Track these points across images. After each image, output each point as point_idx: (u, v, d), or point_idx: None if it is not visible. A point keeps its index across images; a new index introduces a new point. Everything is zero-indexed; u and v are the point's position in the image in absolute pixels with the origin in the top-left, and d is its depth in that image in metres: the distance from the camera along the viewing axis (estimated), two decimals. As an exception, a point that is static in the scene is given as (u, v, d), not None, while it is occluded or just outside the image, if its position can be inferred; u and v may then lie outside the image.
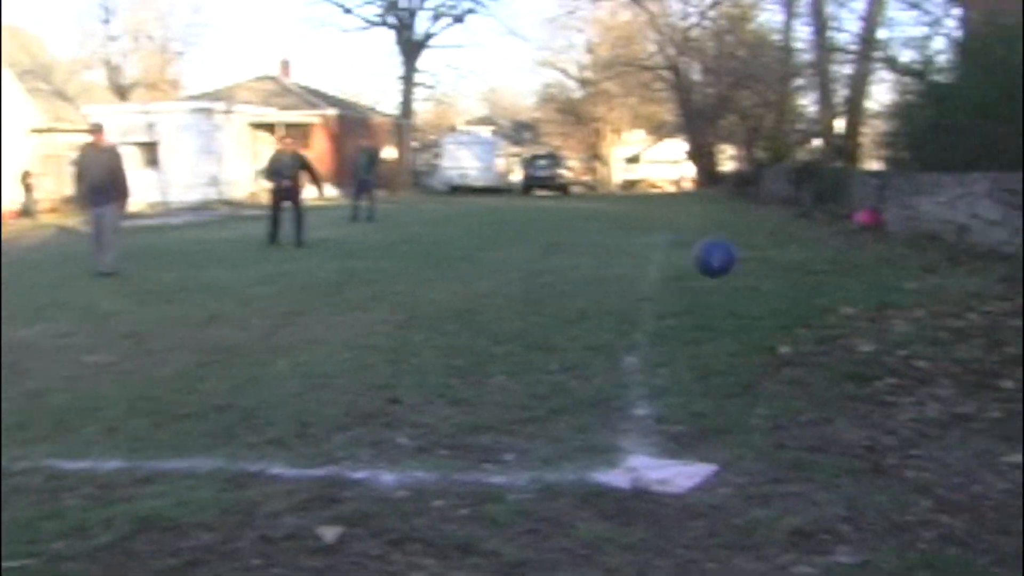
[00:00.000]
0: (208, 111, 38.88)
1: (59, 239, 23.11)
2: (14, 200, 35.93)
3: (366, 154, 27.22)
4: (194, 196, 35.92)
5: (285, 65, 53.95)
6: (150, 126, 35.97)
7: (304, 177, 19.15)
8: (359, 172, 26.49)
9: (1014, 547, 3.85)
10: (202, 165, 37.57)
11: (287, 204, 18.58)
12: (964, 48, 19.56)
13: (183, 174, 36.66)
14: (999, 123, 14.60)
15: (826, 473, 4.71)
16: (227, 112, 39.60)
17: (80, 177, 14.62)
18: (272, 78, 51.56)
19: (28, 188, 36.56)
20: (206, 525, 4.24)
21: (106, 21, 57.54)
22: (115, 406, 6.34)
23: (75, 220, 29.81)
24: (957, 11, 22.91)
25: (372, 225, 23.97)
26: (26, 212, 35.15)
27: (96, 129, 14.96)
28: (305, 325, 9.32)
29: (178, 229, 24.13)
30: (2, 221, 28.45)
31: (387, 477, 4.83)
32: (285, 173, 18.53)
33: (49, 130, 40.44)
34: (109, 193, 14.26)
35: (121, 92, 55.65)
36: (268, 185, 19.88)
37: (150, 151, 36.92)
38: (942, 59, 21.52)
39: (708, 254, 8.96)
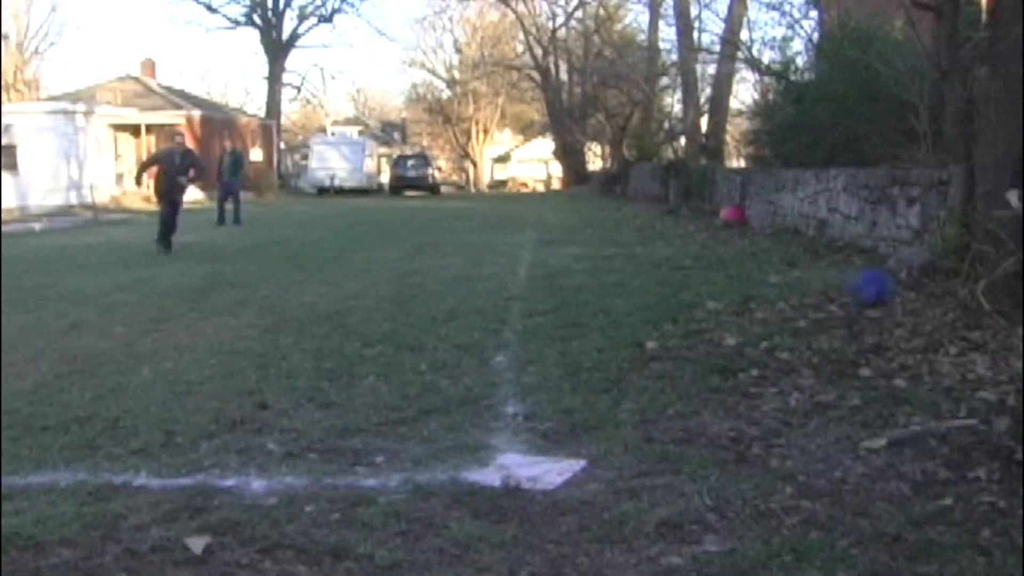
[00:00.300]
0: (68, 112, 37.83)
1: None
2: None
3: (231, 156, 26.81)
4: (55, 200, 34.90)
5: (149, 65, 52.78)
6: (7, 128, 34.80)
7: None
8: (224, 174, 25.99)
9: (873, 529, 3.97)
10: (63, 168, 36.54)
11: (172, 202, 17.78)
12: (821, 49, 20.17)
13: (43, 178, 35.60)
14: (855, 121, 15.08)
15: (693, 465, 4.80)
16: (88, 113, 38.57)
17: None
18: (135, 78, 50.38)
19: None
20: (68, 541, 4.12)
21: (-43, 20, 55.69)
22: (-30, 420, 6.12)
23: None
24: (814, 13, 23.61)
25: (239, 228, 23.61)
26: None
27: None
28: (170, 332, 9.13)
29: (37, 235, 23.41)
30: None
31: (256, 484, 4.77)
32: (180, 171, 17.75)
33: None
34: None
35: (-25, 93, 53.88)
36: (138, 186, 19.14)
37: (8, 154, 35.72)
38: (801, 60, 22.18)
39: (865, 285, 8.88)
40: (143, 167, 19.43)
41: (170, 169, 17.54)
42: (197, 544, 4.02)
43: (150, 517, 4.34)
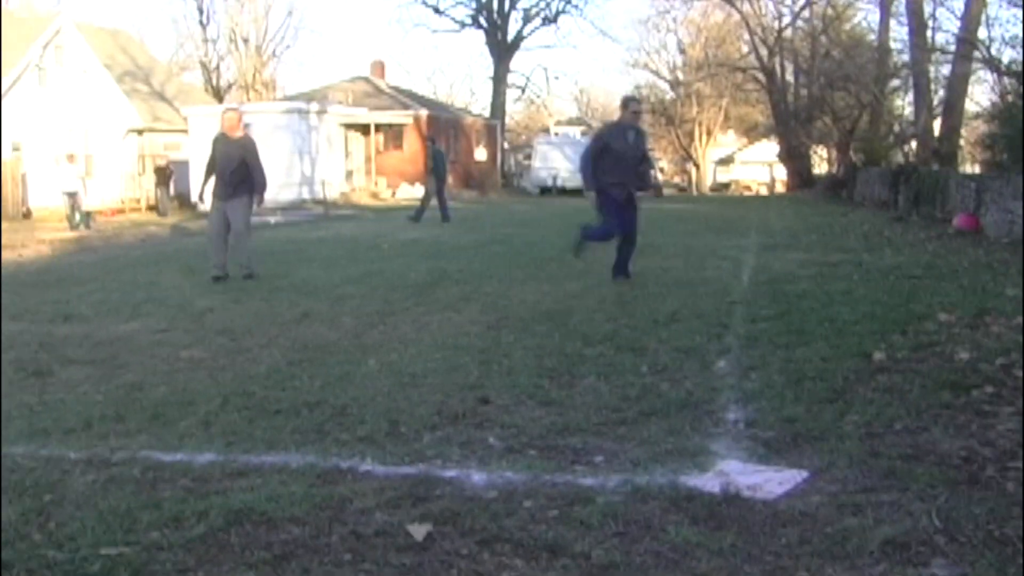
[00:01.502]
0: (302, 112, 39.37)
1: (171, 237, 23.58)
2: (117, 198, 36.73)
3: (439, 152, 27.26)
4: (288, 195, 36.41)
5: (379, 66, 54.46)
6: (246, 126, 36.48)
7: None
8: (437, 171, 26.39)
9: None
10: (296, 165, 38.05)
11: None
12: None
13: (278, 174, 37.17)
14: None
15: (921, 483, 4.61)
16: (321, 112, 40.06)
17: (209, 169, 13.68)
18: (365, 79, 52.09)
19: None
20: (297, 519, 4.29)
21: (204, 24, 58.79)
22: (210, 401, 6.45)
23: (176, 218, 30.49)
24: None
25: (452, 226, 24.00)
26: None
27: (228, 117, 13.91)
28: (395, 324, 9.39)
29: (272, 228, 24.48)
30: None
31: (477, 477, 4.85)
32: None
33: (148, 130, 41.32)
34: (240, 187, 13.39)
35: (218, 93, 56.77)
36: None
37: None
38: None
39: None
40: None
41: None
42: (419, 531, 4.11)
43: (374, 502, 4.47)
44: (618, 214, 12.31)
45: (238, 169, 13.31)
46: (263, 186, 13.67)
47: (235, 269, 13.26)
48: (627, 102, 13.17)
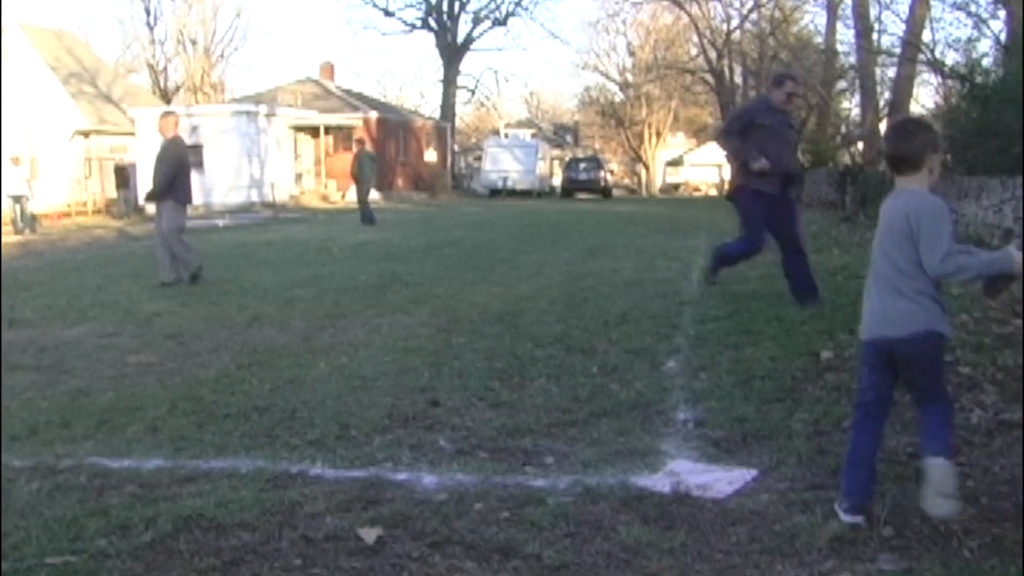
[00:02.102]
0: (251, 114, 39.14)
1: (103, 242, 23.35)
2: (63, 201, 36.29)
3: (367, 156, 27.46)
4: (237, 198, 36.19)
5: (328, 68, 54.24)
6: (194, 129, 36.21)
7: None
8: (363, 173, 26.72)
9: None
10: (245, 167, 37.81)
11: None
12: (1010, 50, 19.37)
13: (226, 176, 36.93)
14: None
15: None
16: (270, 115, 39.85)
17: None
18: (314, 81, 51.86)
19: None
20: (247, 525, 4.26)
21: (151, 25, 58.28)
22: (158, 406, 6.39)
23: (121, 222, 30.21)
24: (1003, 12, 22.70)
25: (402, 228, 23.99)
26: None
27: (162, 120, 13.50)
28: (346, 327, 9.35)
29: (220, 231, 24.30)
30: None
31: (428, 479, 4.84)
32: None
33: (94, 132, 40.90)
34: (168, 190, 13.04)
35: (165, 95, 56.28)
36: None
37: (194, 154, 37.17)
38: (988, 61, 21.32)
39: None
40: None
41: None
42: (370, 535, 4.10)
43: (325, 506, 4.46)
44: (767, 218, 9.90)
45: (165, 172, 13.05)
46: (154, 189, 13.10)
47: (166, 274, 13.03)
48: (781, 80, 10.24)
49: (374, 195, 41.38)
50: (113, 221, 32.54)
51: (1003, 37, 21.70)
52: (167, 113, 14.12)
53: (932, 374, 4.10)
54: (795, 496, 4.50)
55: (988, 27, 23.70)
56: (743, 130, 9.86)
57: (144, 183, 13.25)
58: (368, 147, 30.52)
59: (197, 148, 37.37)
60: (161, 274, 13.00)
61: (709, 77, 55.62)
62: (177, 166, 13.22)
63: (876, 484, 4.31)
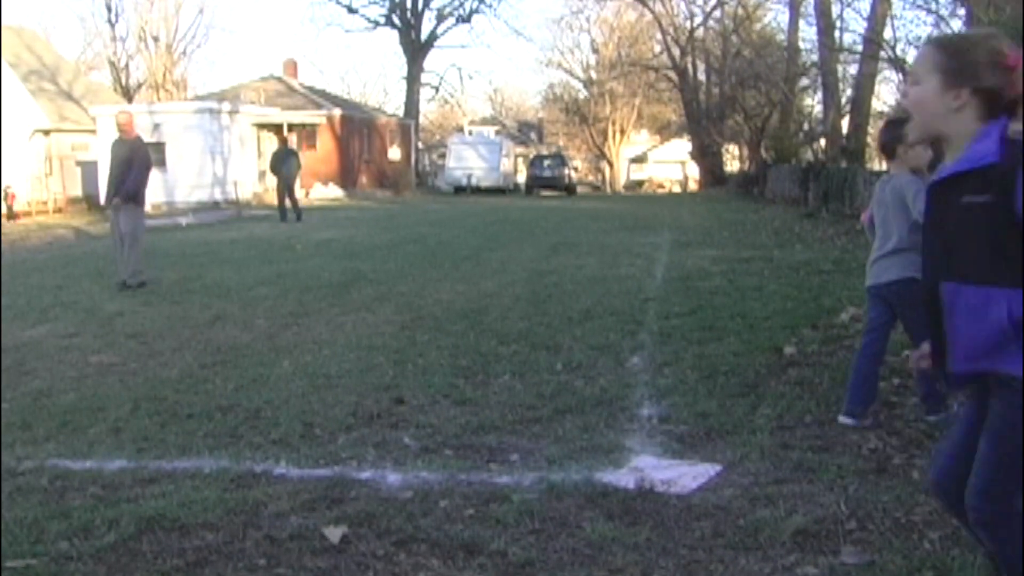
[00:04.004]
0: (214, 111, 38.87)
1: (61, 241, 23.15)
2: (23, 200, 35.89)
3: (291, 153, 27.83)
4: (200, 196, 35.92)
5: (292, 65, 53.98)
6: (156, 126, 35.90)
7: None
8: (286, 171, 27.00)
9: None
10: (208, 165, 37.56)
11: None
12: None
13: (189, 174, 36.66)
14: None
15: (831, 473, 4.69)
16: (233, 112, 39.58)
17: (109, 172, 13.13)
18: (278, 78, 51.58)
19: None
20: (211, 525, 4.24)
21: (112, 22, 57.76)
22: (120, 406, 6.35)
23: (82, 221, 29.94)
24: (963, 11, 22.90)
25: (367, 225, 23.94)
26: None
27: (121, 118, 13.23)
28: (309, 326, 9.32)
29: (183, 230, 24.15)
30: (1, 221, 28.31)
31: (392, 477, 4.84)
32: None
33: (55, 131, 40.50)
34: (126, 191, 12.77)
35: (127, 93, 55.80)
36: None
37: (156, 151, 36.86)
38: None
39: None
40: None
41: None
42: (334, 534, 4.09)
43: (289, 506, 4.44)
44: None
45: (125, 171, 12.78)
46: (129, 191, 12.79)
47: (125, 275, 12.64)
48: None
49: (338, 192, 41.40)
50: (75, 220, 32.23)
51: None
52: (125, 112, 13.91)
53: (916, 310, 4.24)
54: (759, 491, 4.52)
55: (948, 25, 23.87)
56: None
57: (112, 183, 12.80)
58: (292, 144, 30.73)
59: (159, 146, 37.18)
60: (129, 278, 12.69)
61: (673, 74, 55.76)
62: (147, 167, 13.13)
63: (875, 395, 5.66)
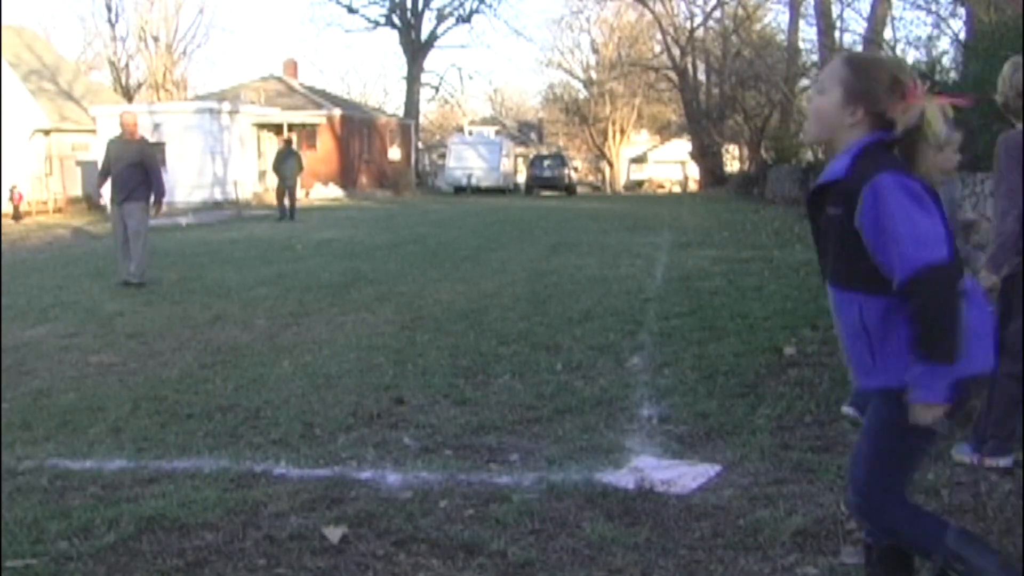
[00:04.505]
0: (214, 111, 38.86)
1: (66, 240, 23.14)
2: (24, 200, 35.84)
3: (292, 153, 28.22)
4: (200, 196, 35.91)
5: (292, 65, 54.00)
6: (156, 126, 35.88)
7: None
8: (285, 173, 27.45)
9: (1018, 547, 3.84)
10: (208, 165, 37.55)
11: None
12: (969, 48, 19.54)
13: (189, 174, 36.65)
14: (1006, 123, 14.56)
15: (831, 474, 4.69)
16: (233, 112, 39.57)
17: (104, 172, 13.31)
18: (278, 78, 51.60)
19: None
20: (210, 525, 4.24)
21: (112, 22, 57.77)
22: (120, 406, 6.35)
23: (82, 221, 29.94)
24: (962, 11, 22.89)
25: (367, 225, 23.95)
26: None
27: (127, 119, 13.36)
28: (309, 326, 9.32)
29: (183, 230, 24.14)
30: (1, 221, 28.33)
31: (392, 477, 4.83)
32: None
33: (55, 130, 40.48)
34: (136, 192, 12.91)
35: (127, 92, 55.79)
36: None
37: (156, 151, 36.77)
38: (948, 59, 21.49)
39: None
40: None
41: None
42: (334, 534, 4.09)
43: (289, 506, 4.44)
44: None
45: (134, 172, 12.86)
46: (161, 193, 13.21)
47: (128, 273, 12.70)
48: None
49: (338, 192, 41.37)
50: (75, 220, 32.23)
51: (963, 36, 21.87)
52: (129, 112, 13.92)
53: None
54: (758, 491, 4.52)
55: (948, 26, 23.89)
56: None
57: (118, 183, 12.79)
58: (294, 146, 30.89)
59: (159, 146, 37.16)
60: (131, 275, 12.71)
61: (673, 74, 55.72)
62: (157, 167, 13.31)
63: None
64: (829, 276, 3.10)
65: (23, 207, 34.02)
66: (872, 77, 2.95)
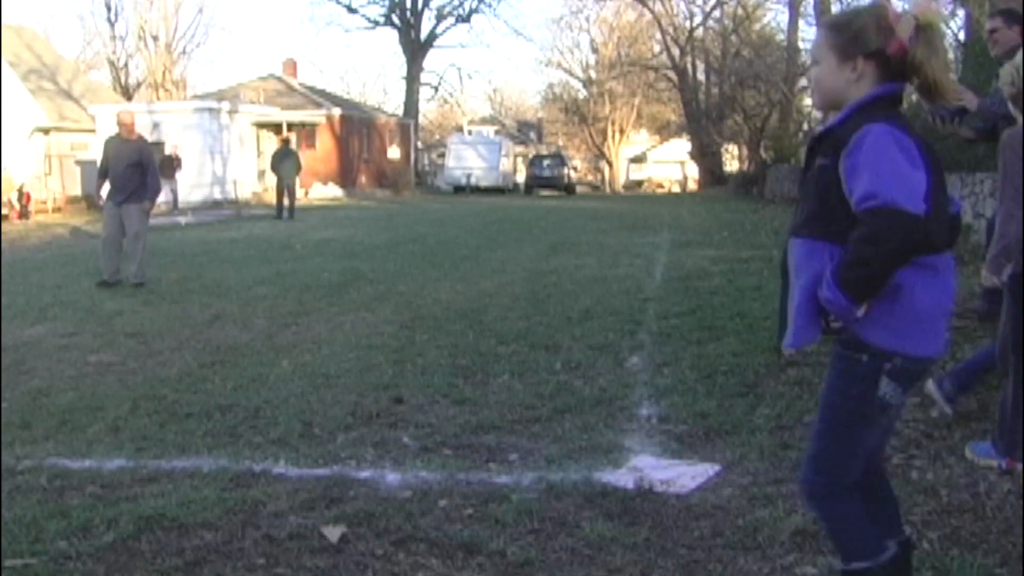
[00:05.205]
0: (214, 111, 38.87)
1: (64, 240, 23.14)
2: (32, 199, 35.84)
3: (290, 153, 28.35)
4: (199, 196, 35.91)
5: (291, 65, 54.03)
6: (156, 126, 35.89)
7: None
8: (284, 172, 27.62)
9: (1019, 548, 3.84)
10: (207, 165, 37.55)
11: None
12: (968, 48, 19.55)
13: (188, 174, 36.65)
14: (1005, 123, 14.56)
15: (831, 473, 4.68)
16: (232, 111, 39.58)
17: (103, 172, 13.22)
18: (277, 78, 51.63)
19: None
20: (210, 524, 4.24)
21: (112, 21, 57.79)
22: (119, 405, 6.35)
23: (82, 220, 29.94)
24: (961, 12, 22.91)
25: (366, 224, 23.96)
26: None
27: (124, 118, 13.27)
28: (308, 325, 9.32)
29: (182, 229, 24.14)
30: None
31: (391, 477, 4.84)
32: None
33: (54, 129, 40.48)
34: (136, 193, 12.89)
35: (127, 92, 55.80)
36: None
37: (156, 151, 36.74)
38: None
39: None
40: None
41: None
42: (333, 533, 4.09)
43: (288, 505, 4.44)
44: None
45: (134, 173, 12.82)
46: (156, 191, 13.20)
47: (127, 275, 12.68)
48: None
49: (337, 191, 41.36)
50: (74, 219, 32.21)
51: (962, 36, 21.88)
52: (127, 111, 13.86)
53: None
54: (757, 491, 4.52)
55: (947, 26, 23.89)
56: None
57: (117, 184, 12.76)
58: (291, 145, 31.01)
59: (159, 145, 37.12)
60: (133, 276, 12.70)
61: (672, 74, 55.76)
62: (155, 165, 13.33)
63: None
64: (799, 227, 2.99)
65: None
66: (854, 25, 2.92)
